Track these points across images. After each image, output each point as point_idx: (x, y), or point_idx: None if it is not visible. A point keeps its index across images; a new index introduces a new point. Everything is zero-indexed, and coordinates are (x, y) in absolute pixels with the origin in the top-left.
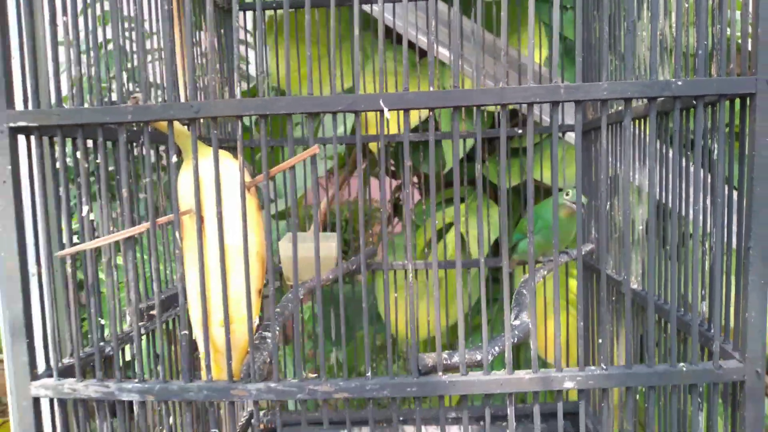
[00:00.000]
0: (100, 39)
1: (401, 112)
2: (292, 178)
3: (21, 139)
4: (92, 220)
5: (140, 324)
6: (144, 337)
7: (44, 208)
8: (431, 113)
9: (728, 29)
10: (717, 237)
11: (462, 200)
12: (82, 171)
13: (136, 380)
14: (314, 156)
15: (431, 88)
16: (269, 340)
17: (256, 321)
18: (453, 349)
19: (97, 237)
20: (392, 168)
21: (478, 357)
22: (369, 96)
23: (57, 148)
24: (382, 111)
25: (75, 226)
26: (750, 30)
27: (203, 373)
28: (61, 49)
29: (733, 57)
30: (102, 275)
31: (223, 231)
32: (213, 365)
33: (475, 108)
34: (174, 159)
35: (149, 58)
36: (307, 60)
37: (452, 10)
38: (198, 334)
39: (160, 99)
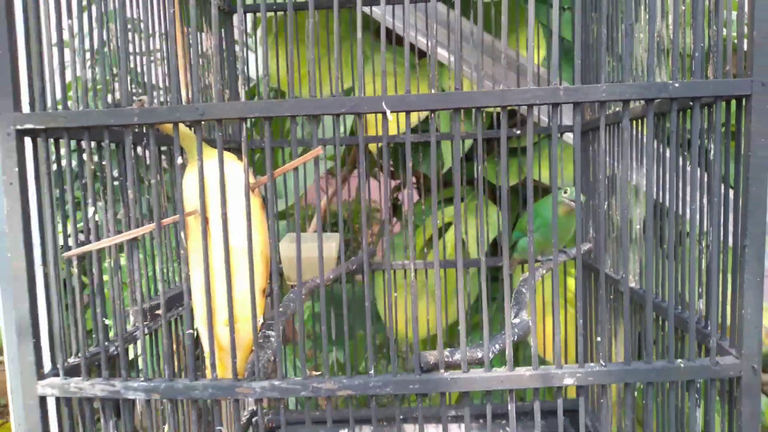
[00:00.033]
0: (102, 40)
1: (400, 114)
2: (296, 179)
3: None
4: (96, 222)
5: (144, 324)
6: (147, 337)
7: (51, 209)
8: (432, 115)
9: (724, 30)
10: (713, 235)
11: (461, 200)
12: (88, 172)
13: (142, 379)
14: (316, 157)
15: (432, 90)
16: (273, 339)
17: (260, 320)
18: (452, 347)
19: (101, 238)
20: (391, 168)
21: (479, 354)
22: (371, 98)
23: (63, 150)
24: (384, 113)
25: (77, 226)
26: (746, 31)
27: (208, 371)
28: (60, 51)
29: (729, 58)
30: (105, 276)
31: (227, 231)
32: (218, 364)
33: (474, 110)
34: (179, 161)
35: (150, 59)
36: (311, 62)
37: (453, 13)
38: (203, 333)
39: (159, 101)
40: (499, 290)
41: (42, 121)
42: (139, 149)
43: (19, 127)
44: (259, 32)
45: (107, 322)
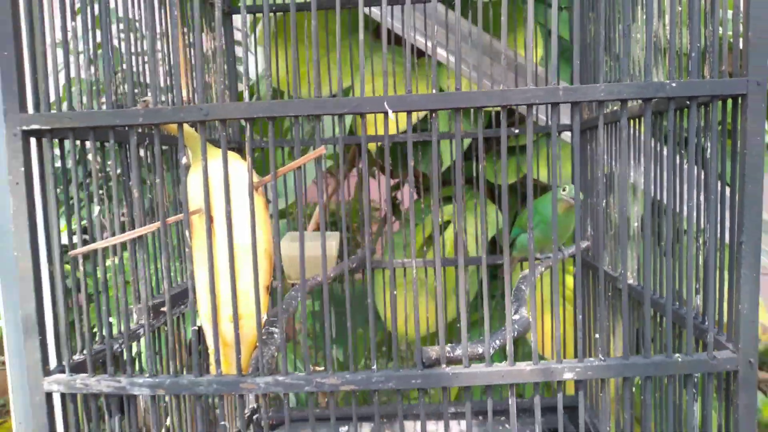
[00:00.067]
0: (105, 41)
1: (400, 113)
2: (296, 178)
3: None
4: (100, 221)
5: (148, 321)
6: (150, 335)
7: (56, 208)
8: (435, 114)
9: (720, 30)
10: (710, 232)
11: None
12: (93, 172)
13: (147, 375)
14: (318, 156)
15: (434, 90)
16: (276, 335)
17: (264, 317)
18: (452, 343)
19: (105, 237)
20: (389, 168)
21: (480, 350)
22: (373, 98)
23: (66, 150)
24: (386, 113)
25: (82, 224)
26: (741, 30)
27: (212, 367)
28: (66, 52)
29: (725, 58)
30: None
31: (232, 229)
32: (222, 360)
33: (472, 109)
34: (184, 160)
35: (146, 59)
36: (313, 62)
37: (454, 14)
38: (207, 330)
39: (159, 101)
40: (498, 288)
41: (47, 122)
42: (139, 150)
43: (25, 127)
44: (257, 32)
45: (111, 319)
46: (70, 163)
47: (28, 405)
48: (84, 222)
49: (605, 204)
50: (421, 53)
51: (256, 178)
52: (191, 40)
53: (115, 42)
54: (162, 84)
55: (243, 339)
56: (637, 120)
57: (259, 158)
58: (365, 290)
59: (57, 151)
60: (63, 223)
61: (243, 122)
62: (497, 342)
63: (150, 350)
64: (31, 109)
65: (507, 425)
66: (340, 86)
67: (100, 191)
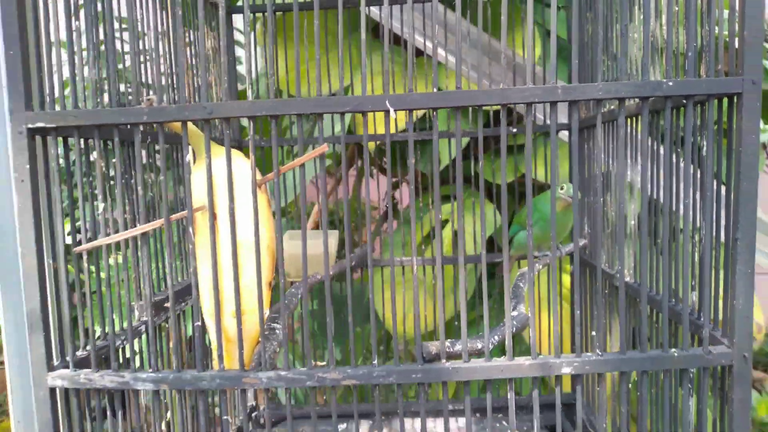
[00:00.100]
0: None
1: (399, 112)
2: (301, 176)
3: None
4: (105, 218)
5: (151, 318)
6: (153, 331)
7: (60, 205)
8: (434, 113)
9: (716, 29)
10: (706, 229)
11: (456, 198)
12: (98, 170)
13: (150, 370)
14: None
15: (434, 89)
16: (278, 331)
17: (266, 312)
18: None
19: (107, 234)
20: (386, 166)
21: (479, 345)
22: (375, 97)
23: (71, 148)
24: (387, 111)
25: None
26: (737, 30)
27: (215, 363)
28: (70, 51)
29: (721, 57)
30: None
31: (235, 226)
32: (225, 355)
33: (473, 108)
34: (188, 158)
35: (144, 58)
36: (316, 61)
37: (454, 14)
38: (210, 326)
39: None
40: (495, 287)
41: (53, 120)
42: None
43: (30, 125)
44: (256, 32)
45: (113, 316)
46: (73, 161)
47: (27, 404)
48: (87, 219)
49: (602, 202)
50: (419, 53)
51: (258, 176)
52: (191, 39)
53: (117, 41)
54: (162, 83)
55: (245, 335)
56: (634, 119)
57: (258, 157)
58: (362, 289)
59: (58, 150)
60: (65, 220)
61: (243, 121)
62: (496, 338)
63: (153, 345)
64: (36, 108)
65: (504, 422)
66: (341, 85)
67: (106, 189)
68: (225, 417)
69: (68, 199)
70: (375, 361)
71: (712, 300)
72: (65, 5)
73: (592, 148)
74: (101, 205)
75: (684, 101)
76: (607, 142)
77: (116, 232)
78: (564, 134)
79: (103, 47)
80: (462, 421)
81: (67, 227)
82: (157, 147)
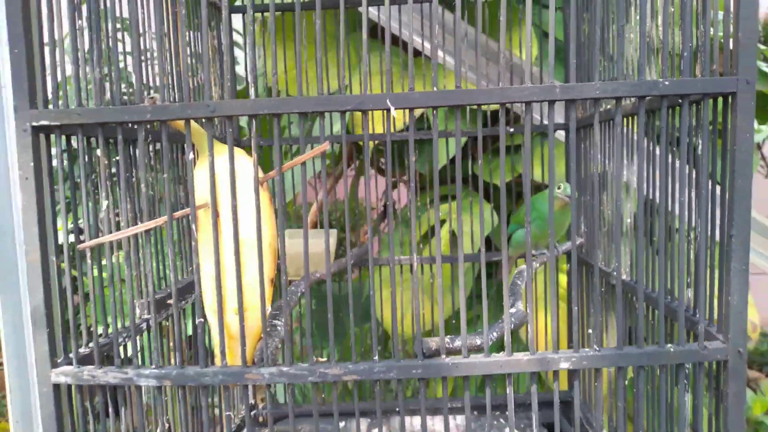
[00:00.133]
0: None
1: (398, 111)
2: (303, 175)
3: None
4: (109, 216)
5: (149, 316)
6: (151, 329)
7: (64, 203)
8: (434, 112)
9: (711, 30)
10: (702, 227)
11: (455, 198)
12: (101, 168)
13: (153, 366)
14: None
15: (434, 88)
16: (280, 327)
17: (268, 309)
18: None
19: (109, 232)
20: (382, 167)
21: (478, 342)
22: (376, 96)
23: (73, 146)
24: (388, 110)
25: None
26: (731, 31)
27: (217, 359)
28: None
29: (716, 58)
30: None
31: (238, 224)
32: (227, 351)
33: (469, 109)
34: (191, 156)
35: (145, 57)
36: (318, 61)
37: (452, 15)
38: (212, 322)
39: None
40: (491, 286)
41: (57, 118)
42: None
43: (34, 123)
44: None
45: (116, 313)
46: (74, 158)
47: (26, 404)
48: (90, 217)
49: (599, 201)
50: (417, 53)
51: (260, 174)
52: (191, 39)
53: (116, 40)
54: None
55: (247, 331)
56: (630, 119)
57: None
58: (360, 289)
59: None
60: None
61: (241, 122)
62: (494, 334)
63: (156, 341)
64: (40, 106)
65: (502, 420)
66: (342, 84)
67: (108, 187)
68: (228, 413)
69: (71, 197)
70: (376, 357)
71: (708, 297)
72: (69, 4)
73: (588, 148)
74: (105, 203)
75: (680, 100)
76: (604, 141)
77: (118, 229)
78: (560, 134)
79: (104, 46)
80: (459, 418)
81: (70, 225)
82: (157, 146)
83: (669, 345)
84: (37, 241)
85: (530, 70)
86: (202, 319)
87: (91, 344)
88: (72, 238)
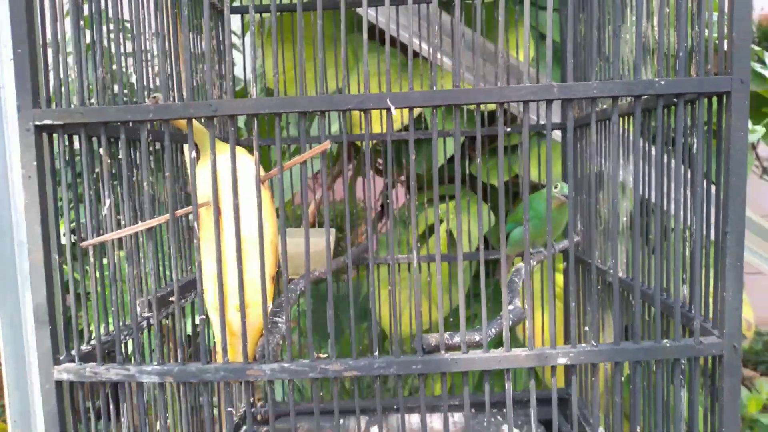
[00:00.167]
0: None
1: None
2: (303, 173)
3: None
4: (113, 215)
5: (150, 314)
6: (152, 327)
7: (68, 202)
8: (434, 112)
9: (706, 31)
10: (696, 225)
11: (452, 198)
12: (104, 167)
13: (155, 363)
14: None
15: (434, 87)
16: (281, 324)
17: (269, 306)
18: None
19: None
20: (379, 167)
21: (477, 338)
22: (377, 95)
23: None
24: (388, 109)
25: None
26: (726, 32)
27: (219, 356)
28: (77, 49)
29: (710, 58)
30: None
31: (239, 221)
32: (228, 348)
33: (466, 109)
34: (193, 155)
35: (146, 57)
36: (320, 60)
37: (450, 16)
38: (214, 319)
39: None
40: (489, 285)
41: (60, 117)
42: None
43: (38, 122)
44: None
45: (116, 311)
46: (77, 158)
47: (24, 404)
48: (92, 215)
49: (595, 200)
50: (414, 54)
51: (261, 172)
52: (190, 39)
53: (119, 41)
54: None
55: (248, 328)
56: (626, 119)
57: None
58: (358, 287)
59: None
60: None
61: (241, 121)
62: (493, 330)
63: (158, 338)
64: (43, 105)
65: (500, 417)
66: (344, 83)
67: (111, 186)
68: (229, 409)
69: (73, 196)
70: (376, 353)
71: (703, 293)
72: (72, 4)
73: (584, 147)
74: (107, 201)
75: (675, 100)
76: (600, 140)
77: (120, 228)
78: (556, 134)
79: (105, 46)
80: (457, 416)
81: (72, 224)
82: (157, 146)
83: (665, 340)
84: (39, 240)
85: (528, 70)
86: (204, 316)
87: (92, 342)
88: (73, 238)
